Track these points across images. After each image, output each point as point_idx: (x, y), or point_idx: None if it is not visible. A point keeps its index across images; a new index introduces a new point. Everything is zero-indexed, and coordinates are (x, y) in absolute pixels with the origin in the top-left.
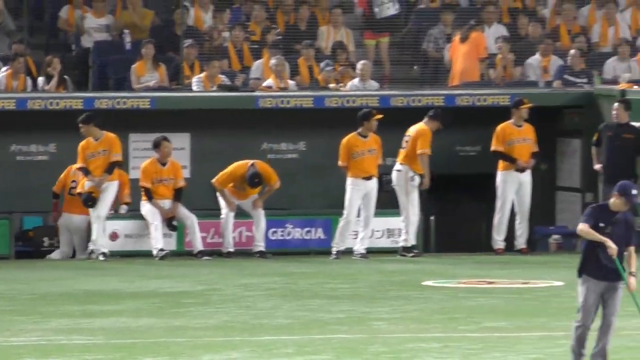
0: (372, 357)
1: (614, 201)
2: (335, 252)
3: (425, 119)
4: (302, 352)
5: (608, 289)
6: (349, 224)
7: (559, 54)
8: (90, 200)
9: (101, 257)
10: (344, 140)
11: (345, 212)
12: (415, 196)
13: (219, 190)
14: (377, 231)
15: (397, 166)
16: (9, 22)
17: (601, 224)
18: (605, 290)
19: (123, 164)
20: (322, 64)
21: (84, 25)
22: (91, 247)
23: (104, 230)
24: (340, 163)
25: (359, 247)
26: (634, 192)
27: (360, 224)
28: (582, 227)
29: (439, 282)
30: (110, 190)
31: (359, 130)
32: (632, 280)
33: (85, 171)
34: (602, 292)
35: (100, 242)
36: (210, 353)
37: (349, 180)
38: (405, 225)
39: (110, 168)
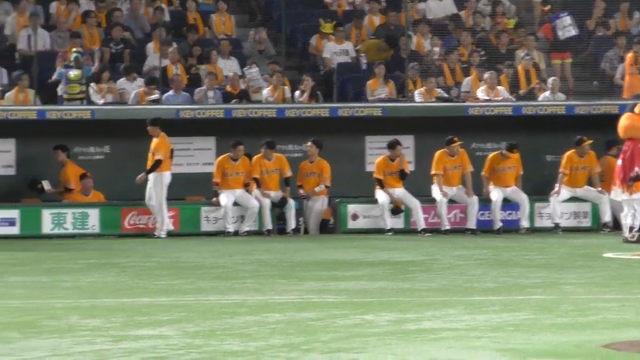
0: (562, 313)
1: None
2: (522, 230)
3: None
4: (506, 310)
5: None
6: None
7: None
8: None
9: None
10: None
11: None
12: None
13: (485, 179)
14: (565, 213)
15: None
16: (271, 48)
17: None
18: None
19: (161, 163)
20: (522, 54)
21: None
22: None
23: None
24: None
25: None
26: None
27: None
28: None
29: (617, 254)
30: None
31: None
32: None
33: None
34: None
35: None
36: (432, 310)
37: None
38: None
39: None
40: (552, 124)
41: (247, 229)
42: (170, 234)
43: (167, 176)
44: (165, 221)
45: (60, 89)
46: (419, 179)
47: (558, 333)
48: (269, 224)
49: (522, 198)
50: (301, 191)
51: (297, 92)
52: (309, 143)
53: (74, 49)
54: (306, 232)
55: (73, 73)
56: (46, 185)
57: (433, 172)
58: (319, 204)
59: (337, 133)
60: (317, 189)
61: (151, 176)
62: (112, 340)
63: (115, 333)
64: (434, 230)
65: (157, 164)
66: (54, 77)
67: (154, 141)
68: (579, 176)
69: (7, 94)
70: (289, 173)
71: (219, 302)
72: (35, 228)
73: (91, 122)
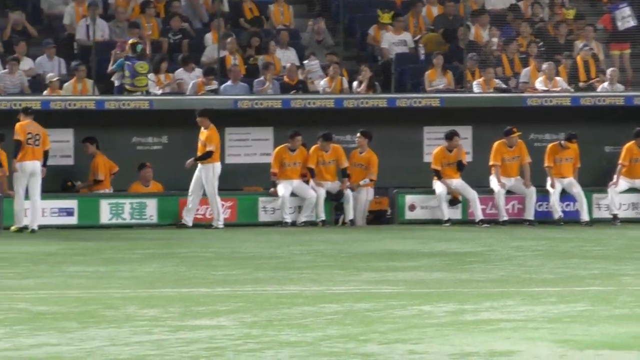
0: (620, 305)
1: None
2: (583, 223)
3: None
4: (564, 301)
5: None
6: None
7: None
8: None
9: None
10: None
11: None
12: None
13: (548, 169)
14: (624, 204)
15: None
16: (329, 38)
17: None
18: None
19: (213, 154)
20: (581, 44)
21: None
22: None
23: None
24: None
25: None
26: None
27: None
28: None
29: None
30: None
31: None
32: None
33: None
34: None
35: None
36: (490, 301)
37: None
38: None
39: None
40: (610, 115)
41: (304, 219)
42: (227, 224)
43: (218, 167)
44: (220, 211)
45: (118, 79)
46: (476, 170)
47: (616, 324)
48: (322, 215)
49: (578, 193)
50: (347, 183)
51: (355, 83)
52: (358, 134)
53: (132, 40)
54: (351, 222)
55: (140, 66)
56: (76, 183)
57: (491, 162)
58: (364, 195)
59: (394, 124)
60: (361, 182)
61: (202, 168)
62: (170, 330)
63: (173, 323)
64: (491, 221)
65: (208, 155)
66: (112, 67)
67: (204, 132)
68: (637, 167)
69: (66, 84)
70: (346, 164)
71: (277, 292)
72: (93, 218)
73: (149, 112)
